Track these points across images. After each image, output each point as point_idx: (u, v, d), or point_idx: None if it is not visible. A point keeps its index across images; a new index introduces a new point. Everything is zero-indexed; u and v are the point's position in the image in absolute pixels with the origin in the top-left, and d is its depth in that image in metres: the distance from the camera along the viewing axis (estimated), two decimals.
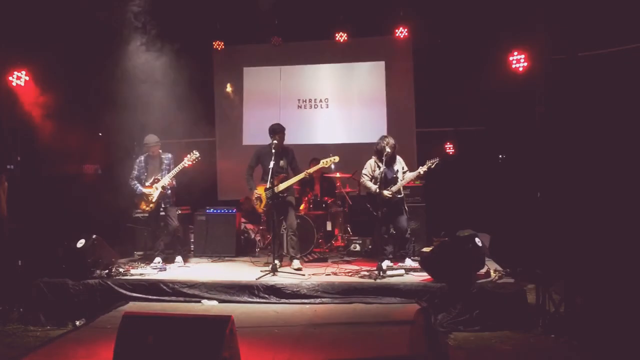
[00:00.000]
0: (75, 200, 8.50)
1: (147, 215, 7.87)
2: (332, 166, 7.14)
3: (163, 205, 7.66)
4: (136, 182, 7.66)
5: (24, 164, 8.11)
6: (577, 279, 5.68)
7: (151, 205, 7.56)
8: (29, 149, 8.25)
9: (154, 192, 7.53)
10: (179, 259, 7.83)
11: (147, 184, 7.62)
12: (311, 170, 7.11)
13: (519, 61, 8.38)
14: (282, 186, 7.04)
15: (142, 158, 7.79)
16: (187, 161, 7.50)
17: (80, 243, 6.79)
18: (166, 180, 7.51)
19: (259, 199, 7.34)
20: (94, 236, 6.90)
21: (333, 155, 7.13)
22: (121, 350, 3.59)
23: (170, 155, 7.72)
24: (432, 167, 6.98)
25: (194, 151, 7.58)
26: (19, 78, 8.11)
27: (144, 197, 7.58)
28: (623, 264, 5.77)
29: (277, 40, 10.26)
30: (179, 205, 8.14)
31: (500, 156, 9.88)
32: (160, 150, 7.76)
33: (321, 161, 7.10)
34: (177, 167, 7.51)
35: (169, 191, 7.66)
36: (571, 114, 6.26)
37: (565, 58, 6.40)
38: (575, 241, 5.91)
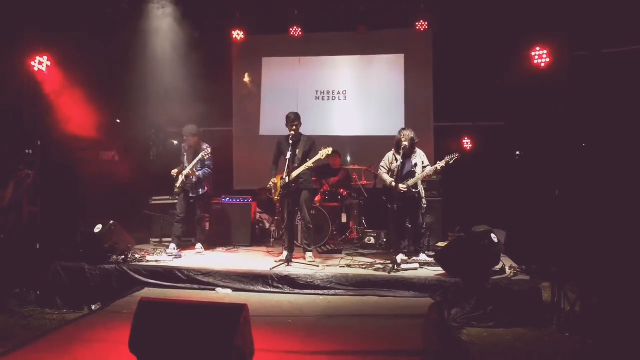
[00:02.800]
0: (92, 186, 8.58)
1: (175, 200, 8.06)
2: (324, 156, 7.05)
3: (191, 194, 7.79)
4: (183, 165, 7.87)
5: (43, 149, 8.21)
6: (593, 278, 5.63)
7: (176, 189, 7.71)
8: (49, 134, 8.34)
9: (179, 179, 7.69)
10: (199, 246, 7.94)
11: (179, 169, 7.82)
12: (309, 163, 7.03)
13: (541, 57, 8.30)
14: (292, 175, 7.00)
15: (183, 145, 7.98)
16: (200, 157, 7.69)
17: (98, 228, 6.86)
18: (187, 170, 7.66)
19: (275, 187, 7.35)
20: (111, 222, 6.96)
21: (326, 148, 7.07)
22: (137, 335, 3.63)
23: (206, 147, 7.78)
24: (451, 162, 6.91)
25: (205, 146, 7.80)
26: (40, 63, 8.19)
27: (174, 180, 7.76)
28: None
29: (296, 30, 10.23)
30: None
31: (518, 152, 9.79)
32: (200, 142, 7.89)
33: (318, 153, 7.05)
34: (195, 161, 7.67)
35: (194, 180, 7.75)
36: (592, 111, 6.18)
37: (588, 55, 6.32)
38: (592, 240, 5.86)
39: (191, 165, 7.66)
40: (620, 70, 6.63)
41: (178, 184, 7.70)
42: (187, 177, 7.69)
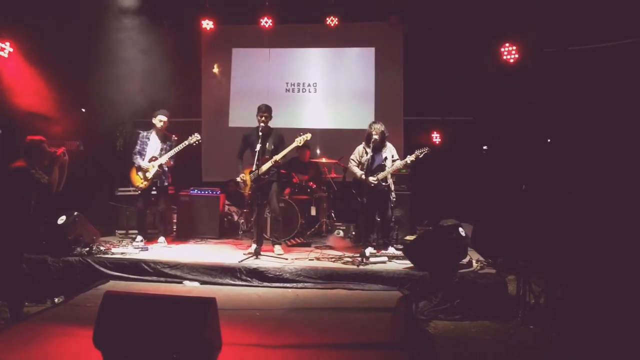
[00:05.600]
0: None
1: (138, 191, 7.73)
2: (301, 142, 7.00)
3: (158, 184, 7.58)
4: (137, 156, 7.57)
5: (4, 137, 7.98)
6: (558, 271, 5.74)
7: (145, 182, 7.46)
8: (11, 122, 8.11)
9: (151, 170, 7.45)
10: (161, 239, 7.77)
11: (145, 161, 7.52)
12: (280, 155, 6.98)
13: (510, 53, 8.41)
14: (263, 168, 6.96)
15: (146, 133, 7.66)
16: (186, 142, 7.46)
17: (61, 220, 6.70)
18: (164, 159, 7.44)
19: (244, 181, 7.28)
20: (75, 213, 6.82)
21: (305, 134, 7.05)
22: (102, 329, 3.54)
23: (174, 137, 7.62)
24: (421, 156, 6.96)
25: (196, 133, 7.58)
26: (2, 50, 7.95)
27: (141, 172, 7.46)
28: (603, 256, 5.84)
29: (267, 21, 10.14)
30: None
31: (485, 147, 9.91)
32: (165, 128, 7.67)
33: (295, 140, 7.01)
34: (177, 147, 7.47)
35: (166, 169, 7.58)
36: (559, 107, 6.29)
37: (556, 52, 6.42)
38: (557, 233, 5.97)
39: (170, 153, 7.46)
40: (586, 68, 6.76)
41: (151, 175, 7.47)
42: (160, 166, 7.50)
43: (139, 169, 7.49)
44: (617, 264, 5.66)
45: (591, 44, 7.02)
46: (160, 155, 7.50)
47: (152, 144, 7.61)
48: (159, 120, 7.58)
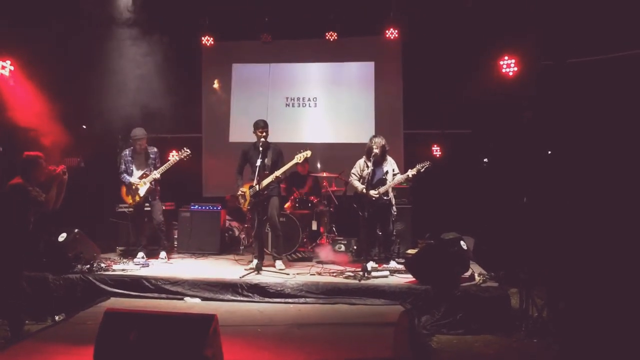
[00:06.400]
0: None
1: (131, 209, 7.79)
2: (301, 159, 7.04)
3: (150, 200, 7.59)
4: (125, 174, 7.59)
5: (4, 154, 7.98)
6: (560, 283, 5.71)
7: (137, 199, 7.47)
8: (11, 139, 8.11)
9: (142, 187, 7.46)
10: (163, 254, 7.76)
11: (135, 178, 7.53)
12: (283, 169, 7.02)
13: (509, 66, 8.43)
14: (263, 183, 6.97)
15: (127, 152, 7.73)
16: (177, 157, 7.48)
17: (62, 237, 6.71)
18: (156, 174, 7.47)
19: (243, 196, 7.28)
20: (75, 230, 6.82)
21: (305, 151, 7.08)
22: (102, 348, 3.53)
23: (155, 150, 7.65)
24: (422, 170, 6.96)
25: (185, 148, 7.59)
26: (3, 68, 7.98)
27: (132, 190, 7.49)
28: (606, 269, 5.81)
29: (266, 37, 10.20)
30: (163, 200, 8.07)
31: (485, 160, 9.91)
32: (146, 145, 7.68)
33: (295, 157, 7.04)
34: (167, 163, 7.51)
35: (157, 187, 7.59)
36: (558, 120, 6.30)
37: (554, 64, 6.44)
38: (559, 246, 5.95)
39: (162, 169, 7.48)
40: (585, 80, 6.78)
41: (143, 192, 7.49)
42: (151, 183, 7.49)
43: (130, 186, 7.53)
44: (619, 275, 5.64)
45: (590, 56, 7.04)
46: (150, 170, 7.54)
47: (137, 161, 7.66)
48: (132, 137, 7.65)
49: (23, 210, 5.49)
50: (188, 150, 7.57)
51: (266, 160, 7.06)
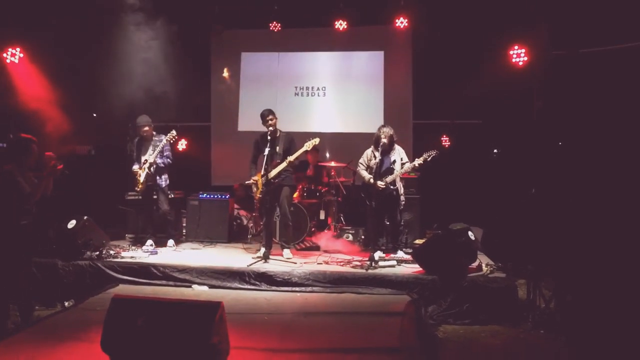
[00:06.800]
0: (66, 181, 8.41)
1: (140, 197, 7.82)
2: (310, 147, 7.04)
3: (157, 187, 7.62)
4: (135, 162, 7.64)
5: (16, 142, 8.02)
6: (568, 275, 5.69)
7: (139, 186, 7.51)
8: (22, 126, 8.16)
9: (142, 173, 7.48)
10: (170, 242, 7.80)
11: (138, 165, 7.57)
12: (292, 157, 7.01)
13: (519, 55, 8.37)
14: (273, 172, 6.98)
15: (136, 140, 7.75)
16: (165, 140, 7.48)
17: (71, 224, 6.77)
18: (151, 158, 7.47)
19: (256, 185, 7.29)
20: (85, 217, 6.87)
21: (313, 138, 7.07)
22: (110, 333, 3.56)
23: (163, 137, 7.66)
24: (429, 159, 6.92)
25: (172, 130, 7.59)
26: (13, 55, 8.02)
27: (134, 177, 7.53)
28: (614, 261, 5.78)
29: (276, 26, 10.17)
30: (172, 189, 8.09)
31: (495, 151, 9.86)
32: (154, 132, 7.70)
33: (304, 145, 7.03)
34: (158, 147, 7.48)
35: (162, 166, 7.60)
36: (569, 110, 6.24)
37: (565, 54, 6.37)
38: (567, 238, 5.92)
39: (153, 155, 7.47)
40: (597, 70, 6.70)
41: (142, 179, 7.48)
42: (149, 169, 7.50)
43: (134, 174, 7.57)
44: (626, 267, 5.60)
45: (602, 47, 6.96)
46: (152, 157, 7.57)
47: (144, 149, 7.68)
48: (139, 127, 7.66)
49: (8, 198, 5.41)
50: (174, 131, 7.57)
51: (277, 148, 7.05)
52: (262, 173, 7.03)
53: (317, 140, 7.06)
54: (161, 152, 7.50)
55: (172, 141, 7.61)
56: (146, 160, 7.52)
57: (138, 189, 7.58)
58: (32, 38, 8.08)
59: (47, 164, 5.59)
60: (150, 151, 7.56)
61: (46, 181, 5.56)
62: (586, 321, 5.21)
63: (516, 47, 8.30)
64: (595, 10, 6.61)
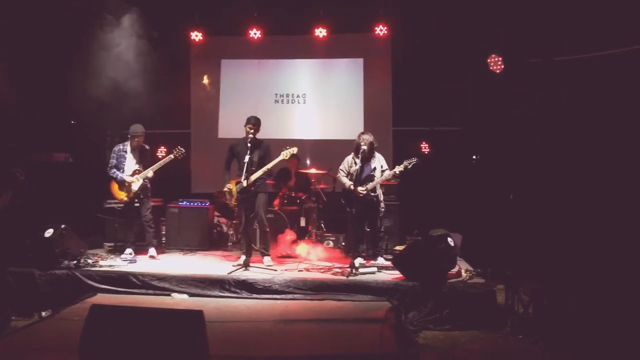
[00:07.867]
0: (44, 188, 8.32)
1: (122, 205, 7.74)
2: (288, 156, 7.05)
3: (142, 197, 7.55)
4: (115, 170, 7.53)
5: None
6: (546, 280, 5.76)
7: (130, 195, 7.44)
8: None
9: (136, 183, 7.43)
10: (152, 251, 7.71)
11: (127, 174, 7.49)
12: (269, 165, 7.01)
13: (496, 63, 8.46)
14: (251, 179, 6.95)
15: (122, 147, 7.66)
16: (172, 156, 7.47)
17: (49, 232, 6.67)
18: (150, 172, 7.43)
19: (230, 192, 7.26)
20: (62, 226, 6.78)
21: (291, 147, 7.08)
22: (87, 342, 3.52)
23: (147, 147, 7.61)
24: (409, 167, 6.96)
25: (179, 147, 7.57)
26: None
27: (125, 186, 7.45)
28: (591, 266, 5.87)
29: (255, 33, 10.18)
30: (151, 197, 8.04)
31: (474, 157, 9.96)
32: (142, 142, 7.66)
33: (281, 153, 7.03)
34: (162, 161, 7.47)
35: (149, 184, 7.57)
36: (546, 117, 6.35)
37: (541, 62, 6.48)
38: (544, 243, 6.00)
39: (156, 166, 7.44)
40: (572, 77, 6.83)
41: (136, 188, 7.45)
42: (145, 180, 7.46)
43: (122, 182, 7.47)
44: (604, 271, 5.70)
45: (577, 54, 7.10)
46: (140, 167, 7.50)
47: (129, 157, 7.60)
48: (130, 133, 7.60)
49: None
50: (182, 149, 7.56)
51: (254, 156, 7.03)
52: (238, 180, 6.99)
53: (294, 150, 7.06)
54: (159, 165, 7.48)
55: (180, 157, 7.58)
56: (139, 170, 7.46)
57: (127, 198, 7.51)
58: (9, 45, 7.98)
59: (10, 176, 5.52)
60: (136, 160, 7.51)
61: (9, 193, 5.47)
62: (563, 326, 5.27)
63: (493, 56, 8.41)
64: (570, 19, 6.75)
